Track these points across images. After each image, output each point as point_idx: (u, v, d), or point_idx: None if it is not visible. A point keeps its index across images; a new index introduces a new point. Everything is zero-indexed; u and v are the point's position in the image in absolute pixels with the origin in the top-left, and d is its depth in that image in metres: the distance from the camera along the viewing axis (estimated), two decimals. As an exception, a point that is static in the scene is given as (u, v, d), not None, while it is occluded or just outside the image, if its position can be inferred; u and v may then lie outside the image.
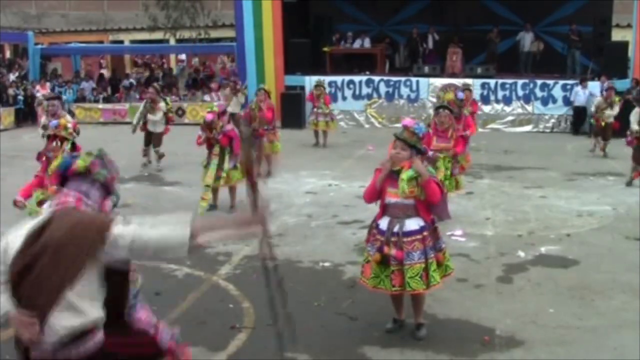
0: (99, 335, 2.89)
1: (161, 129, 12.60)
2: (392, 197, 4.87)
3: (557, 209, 9.39)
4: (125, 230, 2.81)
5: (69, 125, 6.48)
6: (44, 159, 6.30)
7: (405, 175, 4.79)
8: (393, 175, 4.87)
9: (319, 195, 10.18)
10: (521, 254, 7.23)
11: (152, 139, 12.55)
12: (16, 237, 2.89)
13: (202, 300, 5.95)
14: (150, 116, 12.46)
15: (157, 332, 3.26)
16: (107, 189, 3.11)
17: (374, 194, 4.99)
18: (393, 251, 4.77)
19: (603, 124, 13.96)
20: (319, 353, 4.86)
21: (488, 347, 4.95)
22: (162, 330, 3.28)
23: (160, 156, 12.55)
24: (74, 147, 6.31)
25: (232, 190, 9.16)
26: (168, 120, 12.80)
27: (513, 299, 5.96)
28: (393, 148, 4.92)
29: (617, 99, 14.31)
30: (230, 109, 16.04)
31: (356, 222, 8.48)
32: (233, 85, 17.49)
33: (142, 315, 3.43)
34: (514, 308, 5.72)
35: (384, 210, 4.97)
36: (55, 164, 3.12)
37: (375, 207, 5.15)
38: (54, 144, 6.16)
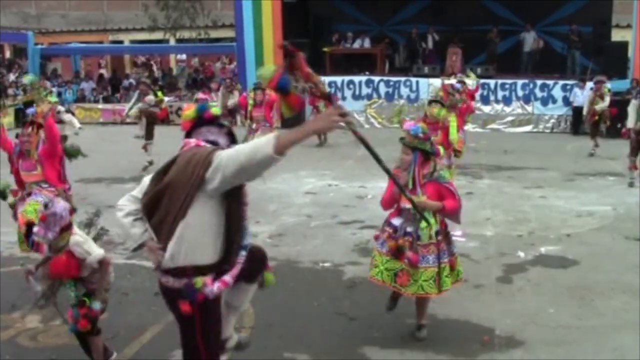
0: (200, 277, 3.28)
1: (156, 110, 12.67)
2: (407, 202, 4.87)
3: (556, 209, 9.39)
4: (224, 151, 3.20)
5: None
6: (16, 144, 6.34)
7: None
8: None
9: (319, 195, 10.18)
10: (521, 254, 7.23)
11: (148, 122, 12.58)
12: (147, 179, 3.48)
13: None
14: (139, 105, 12.67)
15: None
16: (232, 137, 3.53)
17: (393, 202, 5.01)
18: (410, 253, 4.78)
19: (597, 117, 13.92)
20: (319, 353, 4.86)
21: (488, 347, 4.95)
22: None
23: (145, 147, 12.57)
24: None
25: None
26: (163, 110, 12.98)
27: (513, 299, 5.96)
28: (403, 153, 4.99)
29: (606, 89, 14.27)
30: (230, 105, 16.09)
31: (356, 222, 8.48)
32: (228, 83, 17.49)
33: None
34: (514, 308, 5.72)
35: (399, 212, 4.99)
36: (187, 112, 3.57)
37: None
38: (30, 129, 6.20)
